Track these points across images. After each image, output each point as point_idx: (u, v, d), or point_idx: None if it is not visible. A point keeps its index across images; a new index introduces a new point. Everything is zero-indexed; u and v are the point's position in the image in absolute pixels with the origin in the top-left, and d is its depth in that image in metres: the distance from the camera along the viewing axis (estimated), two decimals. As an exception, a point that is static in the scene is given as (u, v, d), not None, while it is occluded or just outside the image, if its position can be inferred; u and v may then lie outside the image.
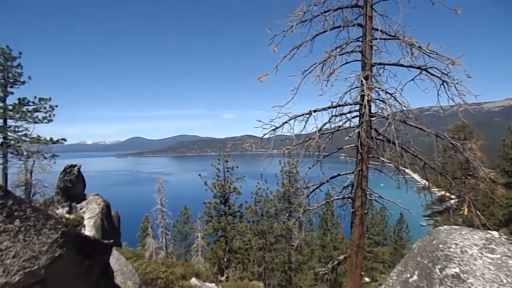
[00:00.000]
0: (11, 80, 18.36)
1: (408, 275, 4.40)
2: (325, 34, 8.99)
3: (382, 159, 8.61)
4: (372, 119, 8.57)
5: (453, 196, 21.49)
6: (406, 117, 8.35)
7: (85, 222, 14.57)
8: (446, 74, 7.91)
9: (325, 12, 8.83)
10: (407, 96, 8.33)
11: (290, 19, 8.87)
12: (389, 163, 8.78)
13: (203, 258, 26.77)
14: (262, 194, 25.93)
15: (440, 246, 4.26)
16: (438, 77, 8.03)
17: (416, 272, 4.29)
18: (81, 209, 15.17)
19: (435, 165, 8.59)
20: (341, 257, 10.45)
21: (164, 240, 27.03)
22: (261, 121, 8.42)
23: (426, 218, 27.12)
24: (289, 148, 8.67)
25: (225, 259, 24.07)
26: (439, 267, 4.01)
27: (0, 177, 16.87)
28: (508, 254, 3.81)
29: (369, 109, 8.19)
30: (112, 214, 19.26)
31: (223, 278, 22.34)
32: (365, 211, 9.31)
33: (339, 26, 8.97)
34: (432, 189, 12.28)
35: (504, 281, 3.50)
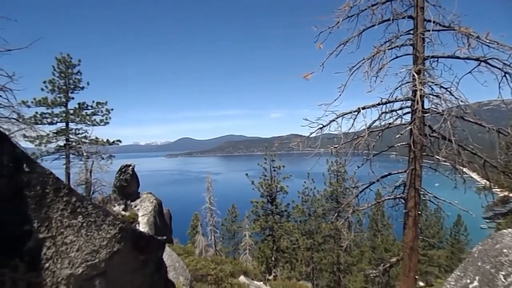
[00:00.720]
0: (72, 86, 19.74)
1: (468, 281, 4.14)
2: (373, 28, 8.67)
3: (437, 157, 8.13)
4: (426, 115, 8.12)
5: (518, 197, 19.87)
6: (463, 112, 7.82)
7: (139, 219, 15.30)
8: (509, 65, 7.29)
9: (372, 5, 8.53)
10: (464, 90, 7.79)
11: (336, 15, 8.68)
12: (445, 161, 8.28)
13: (251, 256, 27.05)
14: (309, 193, 25.72)
15: (504, 250, 3.97)
16: (499, 68, 7.43)
17: (477, 278, 4.03)
18: (135, 206, 15.96)
19: (497, 163, 7.97)
20: (394, 259, 10.05)
21: (213, 238, 27.68)
22: (307, 120, 8.34)
23: (487, 220, 25.28)
24: (336, 147, 8.50)
25: (273, 258, 24.15)
26: (503, 273, 3.73)
27: (63, 176, 18.22)
28: None
29: (422, 105, 7.77)
30: (164, 211, 20.06)
31: (271, 277, 22.42)
32: (419, 212, 8.86)
33: (388, 20, 8.61)
34: (494, 189, 11.46)
35: None
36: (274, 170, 23.83)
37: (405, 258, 8.68)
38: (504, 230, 4.44)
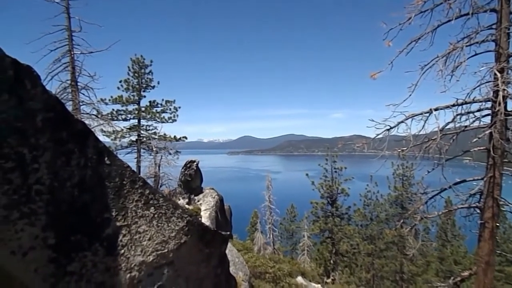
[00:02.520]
0: (144, 85, 21.06)
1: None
2: (449, 24, 8.08)
3: (521, 164, 7.36)
4: (508, 118, 7.38)
5: None
6: (552, 115, 6.99)
7: (202, 213, 15.84)
8: None
9: (449, -1, 7.95)
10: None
11: (407, 11, 8.23)
12: (531, 169, 7.48)
13: (309, 257, 26.78)
14: (371, 197, 24.79)
15: None
16: None
17: None
18: (198, 201, 16.56)
19: None
20: (465, 273, 9.27)
21: (271, 236, 27.86)
22: (373, 121, 8.02)
23: None
24: (404, 150, 8.06)
25: (331, 261, 23.67)
26: None
27: (135, 169, 19.50)
28: None
29: (505, 107, 7.05)
30: (225, 207, 20.57)
31: (329, 280, 22.00)
32: (497, 224, 8.08)
33: (467, 14, 7.94)
34: None
35: None
36: (336, 171, 23.32)
37: (480, 273, 7.98)
38: None
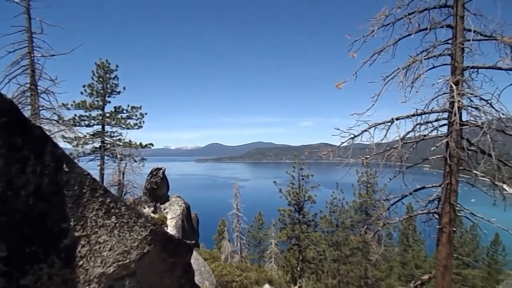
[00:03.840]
0: (109, 91, 20.47)
1: (507, 305, 3.91)
2: (409, 37, 8.49)
3: (475, 172, 7.78)
4: (463, 128, 7.79)
5: None
6: (504, 126, 7.44)
7: (168, 222, 15.50)
8: (556, 77, 6.92)
9: (409, 14, 8.35)
10: (506, 103, 7.43)
11: (371, 24, 8.56)
12: (483, 177, 7.90)
13: (276, 265, 26.83)
14: (337, 204, 25.28)
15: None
16: (545, 80, 7.06)
17: (517, 302, 3.79)
18: (164, 209, 16.18)
19: (541, 181, 7.53)
20: (425, 276, 9.64)
21: (239, 244, 27.72)
22: (339, 129, 8.22)
23: (528, 241, 23.88)
24: (368, 158, 8.31)
25: (298, 268, 23.83)
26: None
27: (98, 177, 18.87)
28: None
29: (460, 117, 7.45)
30: (192, 216, 20.21)
31: (296, 287, 22.11)
32: (454, 229, 8.47)
33: (425, 29, 8.40)
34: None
35: None
36: (303, 179, 23.60)
37: (438, 276, 8.31)
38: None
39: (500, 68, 7.56)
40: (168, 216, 16.60)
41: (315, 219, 24.22)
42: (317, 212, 24.53)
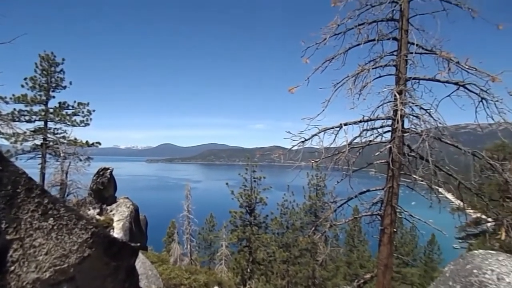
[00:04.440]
0: (54, 85, 19.33)
1: (439, 300, 4.21)
2: (359, 47, 8.89)
3: (414, 176, 8.31)
4: (405, 134, 8.31)
5: (489, 219, 20.40)
6: (441, 134, 8.05)
7: (114, 224, 14.93)
8: (486, 91, 7.58)
9: (359, 25, 8.75)
10: (442, 113, 8.04)
11: (323, 32, 8.85)
12: (422, 181, 8.47)
13: (227, 267, 26.74)
14: (288, 206, 25.71)
15: (475, 271, 4.06)
16: (476, 93, 7.71)
17: (448, 297, 4.10)
18: (111, 211, 15.58)
19: (471, 185, 8.19)
20: (368, 275, 10.14)
21: (189, 246, 27.28)
22: (290, 133, 8.39)
23: (460, 240, 25.91)
24: (317, 161, 8.56)
25: (248, 270, 23.93)
26: (472, 293, 3.82)
27: (38, 176, 17.70)
28: (548, 284, 3.59)
29: (402, 125, 7.95)
30: (140, 218, 19.65)
31: (245, 289, 22.18)
32: (395, 230, 8.98)
33: (373, 40, 8.85)
34: (467, 211, 11.74)
35: (545, 312, 3.28)
36: (255, 181, 23.77)
37: (379, 275, 8.75)
38: (475, 251, 4.55)
39: (439, 80, 8.17)
40: (115, 218, 15.99)
41: (266, 221, 24.48)
42: (268, 214, 24.80)
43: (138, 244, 3.98)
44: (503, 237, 8.42)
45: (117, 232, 15.53)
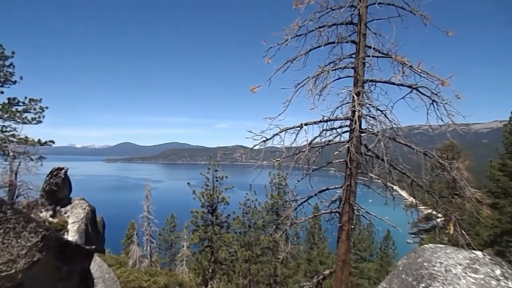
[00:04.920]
0: (2, 80, 18.13)
1: (392, 292, 4.40)
2: (319, 49, 9.09)
3: (371, 175, 8.66)
4: (362, 135, 8.62)
5: (439, 215, 21.65)
6: (395, 134, 8.43)
7: (69, 226, 14.26)
8: (436, 94, 8.03)
9: (320, 27, 8.95)
10: (397, 114, 8.43)
11: (285, 33, 8.97)
12: (377, 179, 8.83)
13: (188, 268, 26.42)
14: (250, 205, 25.80)
15: (425, 264, 4.27)
16: (428, 96, 8.15)
17: (400, 290, 4.29)
18: (65, 213, 14.84)
19: (422, 183, 8.64)
20: (327, 272, 10.40)
21: (149, 248, 26.67)
22: (252, 132, 8.43)
23: (413, 235, 27.26)
24: (279, 160, 8.67)
25: (210, 270, 23.76)
26: (423, 285, 4.02)
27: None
28: (491, 275, 3.85)
29: (360, 125, 8.23)
30: (97, 219, 18.88)
31: (207, 289, 22.03)
32: (352, 227, 9.29)
33: (333, 42, 9.09)
34: (419, 207, 12.35)
35: (487, 302, 3.52)
36: (217, 180, 23.63)
37: (338, 270, 9.02)
38: (426, 245, 4.80)
39: (393, 83, 8.55)
40: (70, 221, 15.24)
41: (228, 220, 24.40)
42: (230, 214, 24.73)
43: (94, 247, 3.81)
44: (451, 232, 8.93)
45: (71, 235, 14.81)
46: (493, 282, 3.73)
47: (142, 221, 26.71)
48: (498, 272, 3.89)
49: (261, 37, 8.91)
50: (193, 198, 23.62)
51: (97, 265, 8.74)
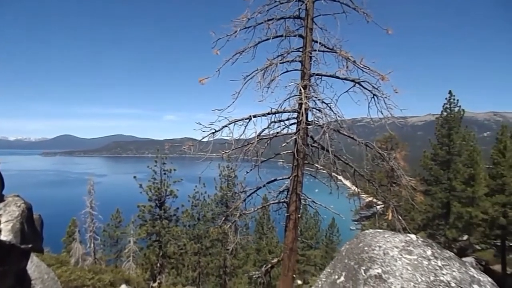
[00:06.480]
0: None
1: (336, 277, 4.62)
2: (268, 42, 9.15)
3: (317, 165, 8.97)
4: (309, 127, 8.88)
5: (379, 202, 23.07)
6: (339, 126, 8.77)
7: (2, 225, 13.22)
8: (377, 88, 8.48)
9: (268, 20, 9.01)
10: (341, 107, 8.80)
11: (234, 24, 8.92)
12: (323, 169, 9.17)
13: (135, 264, 25.73)
14: (199, 198, 25.63)
15: (366, 248, 4.53)
16: (369, 90, 8.57)
17: (343, 274, 4.52)
18: (-3, 211, 13.76)
19: (364, 172, 9.12)
20: (275, 260, 10.67)
21: (92, 245, 25.55)
22: (200, 124, 8.34)
23: (356, 222, 28.86)
24: (227, 152, 8.68)
25: (158, 265, 23.30)
26: (363, 268, 4.26)
27: None
28: (423, 255, 4.18)
29: (306, 118, 8.47)
30: (35, 217, 17.69)
31: (155, 284, 21.61)
32: (299, 216, 9.59)
33: (281, 36, 9.21)
34: (361, 195, 13.05)
35: (419, 280, 3.82)
36: (165, 173, 23.10)
37: (285, 258, 9.29)
38: (366, 231, 5.10)
39: (338, 77, 8.90)
40: (3, 219, 14.16)
41: (176, 213, 24.01)
42: (179, 207, 24.36)
43: (30, 246, 3.57)
44: (390, 218, 9.56)
45: (5, 235, 13.73)
46: (425, 262, 4.07)
47: (84, 217, 25.47)
48: (429, 252, 4.24)
49: (212, 28, 8.81)
50: (140, 192, 22.92)
51: (34, 265, 8.22)
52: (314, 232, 39.42)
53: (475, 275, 4.04)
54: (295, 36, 9.36)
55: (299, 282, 33.83)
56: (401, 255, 4.19)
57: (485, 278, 4.07)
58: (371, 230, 5.04)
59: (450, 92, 27.56)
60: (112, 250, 33.44)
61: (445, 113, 27.49)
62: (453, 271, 3.99)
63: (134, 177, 23.11)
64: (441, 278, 3.85)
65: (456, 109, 27.21)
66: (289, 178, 9.31)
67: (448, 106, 27.40)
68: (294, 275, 9.79)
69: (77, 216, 28.21)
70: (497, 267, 25.39)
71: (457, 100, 27.33)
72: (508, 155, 22.51)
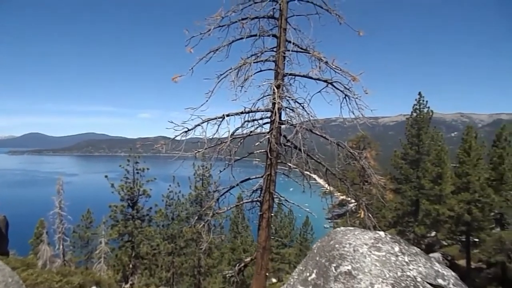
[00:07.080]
0: None
1: (308, 274, 4.69)
2: (242, 41, 9.14)
3: (289, 164, 9.05)
4: (282, 126, 8.96)
5: (351, 200, 23.54)
6: (312, 126, 8.89)
7: (-37, 227, 12.61)
8: (348, 89, 8.65)
9: (242, 19, 9.00)
10: (314, 107, 8.93)
11: (208, 22, 8.87)
12: (296, 168, 9.27)
13: (106, 265, 25.17)
14: (173, 197, 25.35)
15: (336, 246, 4.63)
16: (341, 91, 8.73)
17: (315, 271, 4.59)
18: (-42, 213, 13.10)
19: (336, 171, 9.29)
20: (248, 259, 10.70)
21: (61, 247, 24.73)
22: (173, 123, 8.26)
23: (329, 220, 29.41)
24: (200, 151, 8.64)
25: (131, 266, 22.88)
26: (334, 265, 4.35)
27: None
28: (391, 252, 4.32)
29: (279, 117, 8.55)
30: (-1, 218, 17.02)
31: (127, 286, 21.23)
32: (273, 214, 9.69)
33: (255, 35, 9.23)
34: (334, 194, 13.27)
35: (387, 275, 3.94)
36: (138, 173, 22.71)
37: (258, 257, 9.33)
38: (338, 228, 5.20)
39: (311, 77, 9.01)
40: (-36, 221, 13.51)
41: (150, 213, 23.67)
42: (152, 206, 24.03)
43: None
44: (362, 216, 9.79)
45: (-34, 237, 13.15)
46: (393, 258, 4.20)
47: (53, 218, 24.61)
48: (397, 248, 4.39)
49: (185, 25, 8.73)
50: (112, 192, 22.43)
51: (-3, 269, 7.89)
52: (289, 230, 39.79)
53: (440, 270, 4.21)
54: (269, 35, 9.40)
55: (274, 280, 34.07)
56: (370, 251, 4.31)
57: (449, 273, 4.26)
58: (342, 228, 5.15)
59: (419, 94, 28.55)
60: (82, 251, 32.55)
61: (414, 114, 28.46)
62: (419, 266, 4.15)
63: (106, 176, 22.56)
64: (408, 273, 4.00)
65: (425, 110, 28.24)
66: (262, 177, 9.36)
67: (417, 107, 28.39)
68: (268, 273, 9.86)
69: (45, 217, 27.22)
70: (462, 262, 26.50)
71: (426, 101, 28.37)
72: (473, 155, 23.52)
